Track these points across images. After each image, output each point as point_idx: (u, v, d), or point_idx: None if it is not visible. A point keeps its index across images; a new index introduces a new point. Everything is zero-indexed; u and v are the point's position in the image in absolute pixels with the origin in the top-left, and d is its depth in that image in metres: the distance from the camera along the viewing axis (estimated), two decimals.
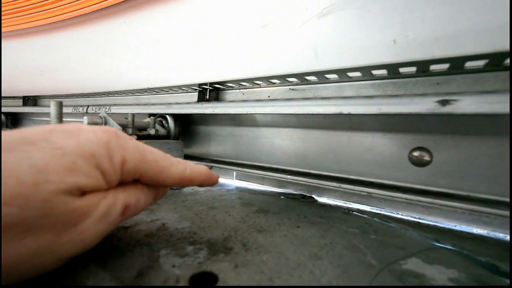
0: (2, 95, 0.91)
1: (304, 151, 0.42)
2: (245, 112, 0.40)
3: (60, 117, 0.42)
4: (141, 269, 0.18)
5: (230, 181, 0.51)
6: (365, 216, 0.33)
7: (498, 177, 0.28)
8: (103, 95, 0.71)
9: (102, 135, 0.16)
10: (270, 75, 0.39)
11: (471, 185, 0.29)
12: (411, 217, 0.33)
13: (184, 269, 0.18)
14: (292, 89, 0.43)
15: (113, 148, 0.16)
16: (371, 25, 0.36)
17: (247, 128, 0.48)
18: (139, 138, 0.44)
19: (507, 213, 0.26)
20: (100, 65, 0.71)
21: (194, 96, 0.52)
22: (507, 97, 0.23)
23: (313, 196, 0.40)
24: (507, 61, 0.26)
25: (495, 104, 0.24)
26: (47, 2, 0.70)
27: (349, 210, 0.35)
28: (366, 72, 0.32)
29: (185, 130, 0.55)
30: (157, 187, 0.21)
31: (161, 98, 0.62)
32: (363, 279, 0.19)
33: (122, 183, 0.18)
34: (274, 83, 0.43)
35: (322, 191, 0.40)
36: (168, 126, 0.52)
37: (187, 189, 0.42)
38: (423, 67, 0.29)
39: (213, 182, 0.24)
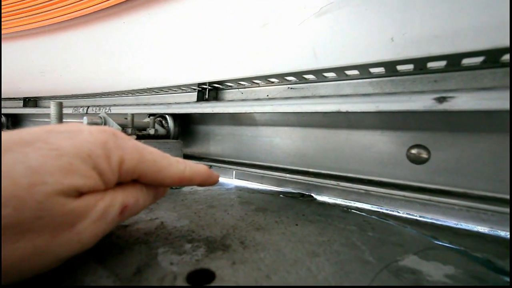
0: (3, 96, 0.91)
1: (303, 150, 0.42)
2: (244, 111, 0.41)
3: (60, 118, 0.43)
4: (139, 266, 0.18)
5: (229, 180, 0.51)
6: (363, 214, 0.33)
7: (496, 174, 0.28)
8: (103, 96, 0.71)
9: (99, 135, 0.16)
10: (268, 74, 0.39)
11: (468, 182, 0.29)
12: (410, 214, 0.33)
13: (182, 266, 0.19)
14: (291, 88, 0.43)
15: (111, 149, 0.16)
16: (368, 23, 0.36)
17: (246, 127, 0.48)
18: (139, 138, 0.45)
19: (505, 209, 0.26)
20: (100, 66, 0.72)
21: (194, 95, 0.53)
22: (504, 93, 0.23)
23: (312, 194, 0.40)
24: (504, 57, 0.26)
25: (492, 101, 0.24)
26: (47, 3, 0.70)
27: (347, 208, 0.35)
28: (364, 70, 0.32)
29: (184, 130, 0.55)
30: (157, 186, 0.21)
31: (161, 98, 0.62)
32: (360, 275, 0.19)
33: (121, 183, 0.18)
34: (272, 82, 0.43)
35: (321, 189, 0.40)
36: (168, 126, 0.52)
37: (186, 188, 0.42)
38: (420, 65, 0.29)
39: (213, 182, 0.23)
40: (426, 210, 0.32)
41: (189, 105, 0.47)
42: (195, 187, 0.43)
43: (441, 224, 0.31)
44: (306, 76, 0.38)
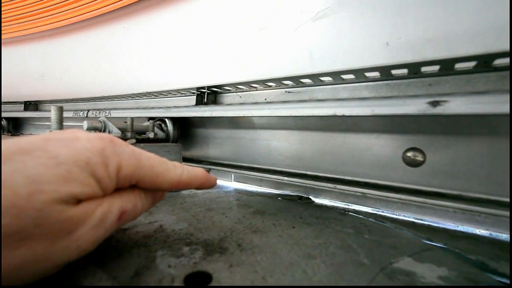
0: (4, 100, 0.92)
1: (300, 153, 0.42)
2: (242, 115, 0.41)
3: (60, 122, 0.43)
4: (138, 269, 0.19)
5: (228, 183, 0.52)
6: (360, 216, 0.33)
7: (490, 177, 0.28)
8: (103, 100, 0.72)
9: (97, 142, 0.16)
10: (266, 78, 0.40)
11: (463, 184, 0.30)
12: (406, 217, 0.34)
13: (180, 269, 0.19)
14: (288, 92, 0.43)
15: (108, 156, 0.16)
16: (364, 28, 0.37)
17: (244, 130, 0.49)
18: (138, 141, 0.45)
19: (499, 212, 0.26)
20: (100, 70, 0.72)
21: (193, 99, 0.53)
22: (497, 97, 0.24)
23: (309, 197, 0.41)
24: (497, 62, 0.26)
25: (485, 105, 0.24)
26: (47, 8, 0.71)
27: (345, 211, 0.35)
28: (360, 74, 0.33)
29: (183, 133, 0.56)
30: (155, 191, 0.21)
31: (160, 102, 0.62)
32: (355, 277, 0.19)
33: (119, 189, 0.18)
34: (270, 86, 0.44)
35: (318, 192, 0.41)
36: (167, 130, 0.53)
37: (185, 192, 0.42)
38: (414, 69, 0.29)
39: (211, 185, 0.24)
40: (422, 213, 0.33)
41: (188, 108, 0.48)
42: (194, 190, 0.43)
43: (437, 226, 0.31)
44: (303, 80, 0.39)
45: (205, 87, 0.48)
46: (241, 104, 0.45)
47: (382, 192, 0.32)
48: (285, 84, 0.42)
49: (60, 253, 0.14)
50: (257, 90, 0.47)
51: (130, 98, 0.66)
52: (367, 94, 0.36)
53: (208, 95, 0.51)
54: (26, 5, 0.73)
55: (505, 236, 0.28)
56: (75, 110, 0.68)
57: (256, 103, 0.44)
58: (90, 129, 0.43)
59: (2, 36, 0.83)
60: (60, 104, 0.80)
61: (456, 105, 0.25)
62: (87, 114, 0.65)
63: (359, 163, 0.36)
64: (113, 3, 0.62)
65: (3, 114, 0.90)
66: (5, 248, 0.12)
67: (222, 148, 0.52)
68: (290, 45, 0.43)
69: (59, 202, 0.14)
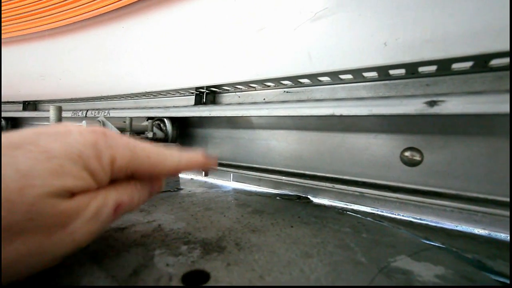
0: (3, 100, 0.92)
1: (299, 153, 0.42)
2: (241, 115, 0.41)
3: (59, 122, 0.43)
4: (136, 267, 0.19)
5: (227, 182, 0.52)
6: (358, 215, 0.33)
7: (487, 176, 0.28)
8: (102, 99, 0.72)
9: (89, 136, 0.16)
10: (265, 78, 0.40)
11: (460, 184, 0.30)
12: (404, 216, 0.34)
13: (178, 267, 0.19)
14: (287, 92, 0.43)
15: (101, 148, 0.16)
16: (362, 28, 0.37)
17: (243, 130, 0.49)
18: None
19: (496, 211, 0.26)
20: (99, 70, 0.72)
21: (191, 99, 0.53)
22: (493, 97, 0.24)
23: (308, 196, 0.41)
24: (493, 62, 0.26)
25: (481, 105, 0.24)
26: (46, 8, 0.71)
27: (343, 210, 0.35)
28: (357, 74, 0.33)
29: (182, 133, 0.56)
30: (152, 182, 0.21)
31: (159, 102, 0.62)
32: (352, 276, 0.19)
33: (115, 181, 0.18)
34: (269, 86, 0.44)
35: (317, 191, 0.41)
36: (166, 129, 0.53)
37: (184, 191, 0.42)
38: (411, 69, 0.29)
39: (211, 166, 0.23)
40: (420, 212, 0.33)
41: (187, 108, 0.48)
42: (193, 190, 0.43)
43: (434, 226, 0.31)
44: (302, 80, 0.39)
45: (204, 87, 0.48)
46: (239, 104, 0.45)
47: (380, 191, 0.32)
48: (284, 84, 0.42)
49: (55, 246, 0.14)
50: (255, 90, 0.47)
51: (129, 98, 0.66)
52: (365, 94, 0.36)
53: (207, 95, 0.51)
54: (26, 4, 0.73)
55: (502, 236, 0.28)
56: (74, 110, 0.68)
57: (255, 103, 0.44)
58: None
59: (3, 36, 0.83)
60: (59, 104, 0.80)
61: (453, 105, 0.25)
62: (86, 114, 0.65)
63: (357, 162, 0.36)
64: (112, 3, 0.62)
65: (2, 114, 0.90)
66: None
67: (221, 148, 0.52)
68: (289, 45, 0.43)
69: (52, 196, 0.14)
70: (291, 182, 0.40)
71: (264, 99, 0.46)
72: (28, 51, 0.86)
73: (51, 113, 0.42)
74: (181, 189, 0.44)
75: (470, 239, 0.28)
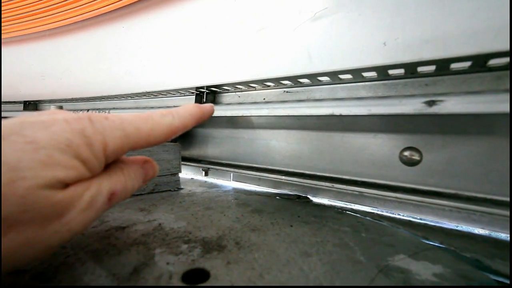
0: (3, 100, 0.92)
1: (298, 152, 0.42)
2: (241, 114, 0.41)
3: None
4: (137, 266, 0.19)
5: (227, 182, 0.52)
6: (358, 215, 0.33)
7: (486, 176, 0.28)
8: (102, 99, 0.72)
9: (75, 123, 0.16)
10: (264, 78, 0.40)
11: (459, 183, 0.30)
12: (403, 215, 0.34)
13: (178, 266, 0.19)
14: (287, 92, 0.44)
15: (90, 135, 0.16)
16: (362, 28, 0.37)
17: (243, 130, 0.49)
18: None
19: (495, 210, 0.26)
20: (100, 70, 0.72)
21: (192, 99, 0.53)
22: (491, 97, 0.24)
23: (308, 196, 0.41)
24: (492, 62, 0.26)
25: (480, 104, 0.24)
26: (47, 8, 0.71)
27: (343, 210, 0.35)
28: (357, 74, 0.33)
29: (182, 133, 0.56)
30: (146, 168, 0.21)
31: (160, 102, 0.62)
32: (350, 274, 0.19)
33: (108, 166, 0.18)
34: (269, 86, 0.44)
35: (316, 191, 0.41)
36: None
37: (184, 191, 0.42)
38: (410, 69, 0.29)
39: (209, 114, 0.23)
40: (419, 211, 0.33)
41: None
42: (193, 189, 0.44)
43: (433, 225, 0.32)
44: (301, 80, 0.39)
45: (204, 87, 0.48)
46: (239, 103, 0.45)
47: (379, 191, 0.32)
48: (284, 84, 0.42)
49: (52, 236, 0.14)
50: (255, 90, 0.47)
51: (129, 98, 0.66)
52: (365, 94, 0.36)
53: (207, 95, 0.51)
54: (26, 5, 0.74)
55: (501, 235, 0.28)
56: (75, 110, 0.69)
57: (255, 102, 0.44)
58: None
59: (3, 36, 0.84)
60: (60, 103, 0.80)
61: (451, 105, 0.25)
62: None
63: (357, 162, 0.37)
64: (113, 3, 0.62)
65: (3, 114, 0.90)
66: None
67: (221, 147, 0.52)
68: (289, 45, 0.44)
69: (44, 188, 0.13)
70: (290, 181, 0.40)
71: (264, 99, 0.46)
72: (29, 51, 0.86)
73: None
74: (182, 188, 0.44)
75: (468, 238, 0.28)
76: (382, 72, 0.31)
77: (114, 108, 0.61)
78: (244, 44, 0.49)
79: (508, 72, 0.27)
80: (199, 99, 0.52)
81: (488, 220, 0.29)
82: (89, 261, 0.19)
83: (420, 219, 0.33)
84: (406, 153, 0.33)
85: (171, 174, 0.43)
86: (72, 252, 0.20)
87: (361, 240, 0.25)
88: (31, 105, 0.89)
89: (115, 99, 0.69)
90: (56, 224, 0.14)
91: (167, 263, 0.19)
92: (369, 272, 0.20)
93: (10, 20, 0.79)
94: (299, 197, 0.41)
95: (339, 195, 0.39)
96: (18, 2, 0.74)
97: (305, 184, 0.39)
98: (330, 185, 0.36)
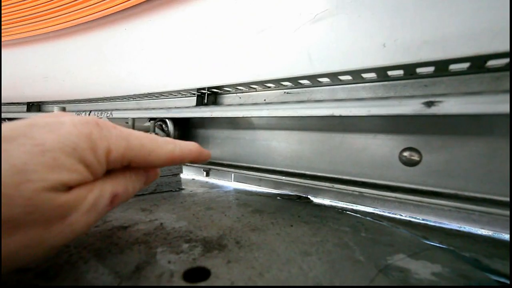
0: (7, 101, 0.93)
1: (299, 153, 0.43)
2: (242, 116, 0.42)
3: None
4: (139, 264, 0.19)
5: (228, 183, 0.52)
6: (358, 215, 0.33)
7: (485, 176, 0.29)
8: (105, 100, 0.72)
9: (82, 127, 0.16)
10: (265, 80, 0.40)
11: (458, 183, 0.30)
12: (403, 215, 0.34)
13: (179, 264, 0.19)
14: (287, 93, 0.44)
15: (96, 140, 0.16)
16: (362, 30, 0.37)
17: (244, 131, 0.49)
18: None
19: (494, 210, 0.26)
20: (102, 71, 0.73)
21: (193, 100, 0.54)
22: (490, 98, 0.24)
23: (308, 196, 0.41)
24: (490, 63, 0.26)
25: (478, 105, 0.25)
26: (50, 11, 0.72)
27: (343, 210, 0.36)
28: (357, 75, 0.33)
29: (184, 134, 0.56)
30: (147, 171, 0.21)
31: (161, 103, 0.63)
32: (349, 273, 0.19)
33: (110, 171, 0.18)
34: (269, 87, 0.44)
35: (316, 191, 0.41)
36: (168, 130, 0.53)
37: (185, 191, 0.43)
38: (409, 70, 0.30)
39: (205, 159, 0.23)
40: (418, 211, 0.33)
41: (189, 109, 0.48)
42: (195, 190, 0.44)
43: (433, 225, 0.32)
44: (302, 81, 0.39)
45: (205, 88, 0.49)
46: (240, 105, 0.46)
47: (379, 191, 0.32)
48: (284, 85, 0.42)
49: (55, 237, 0.15)
50: (256, 91, 0.47)
51: (131, 99, 0.67)
52: (364, 94, 0.36)
53: (208, 96, 0.52)
54: (31, 7, 0.74)
55: (500, 235, 0.29)
56: (78, 111, 0.69)
57: (256, 103, 0.45)
58: None
59: (7, 38, 0.85)
60: (63, 105, 0.81)
61: (450, 105, 0.25)
62: (89, 115, 0.66)
63: (357, 162, 0.37)
64: (116, 5, 0.62)
65: (7, 115, 0.91)
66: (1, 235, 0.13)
67: (222, 148, 0.53)
68: (289, 47, 0.44)
69: (49, 190, 0.14)
70: (291, 182, 0.40)
71: (264, 100, 0.46)
72: (32, 53, 0.87)
73: None
74: (183, 189, 0.44)
75: (467, 238, 0.28)
76: (382, 73, 0.32)
77: (116, 109, 0.62)
78: (245, 46, 0.49)
79: (507, 73, 0.27)
80: (200, 100, 0.52)
81: (487, 220, 0.29)
82: (92, 259, 0.20)
83: (420, 219, 0.33)
84: (406, 154, 0.33)
85: (172, 175, 0.43)
86: (75, 251, 0.21)
87: (361, 239, 0.26)
88: (35, 106, 0.90)
89: (117, 100, 0.70)
90: (60, 225, 0.15)
91: (169, 262, 0.20)
92: (368, 271, 0.20)
93: (13, 22, 0.80)
94: (299, 197, 0.41)
95: (340, 195, 0.39)
96: (21, 4, 0.75)
97: (305, 185, 0.39)
98: (331, 186, 0.36)
